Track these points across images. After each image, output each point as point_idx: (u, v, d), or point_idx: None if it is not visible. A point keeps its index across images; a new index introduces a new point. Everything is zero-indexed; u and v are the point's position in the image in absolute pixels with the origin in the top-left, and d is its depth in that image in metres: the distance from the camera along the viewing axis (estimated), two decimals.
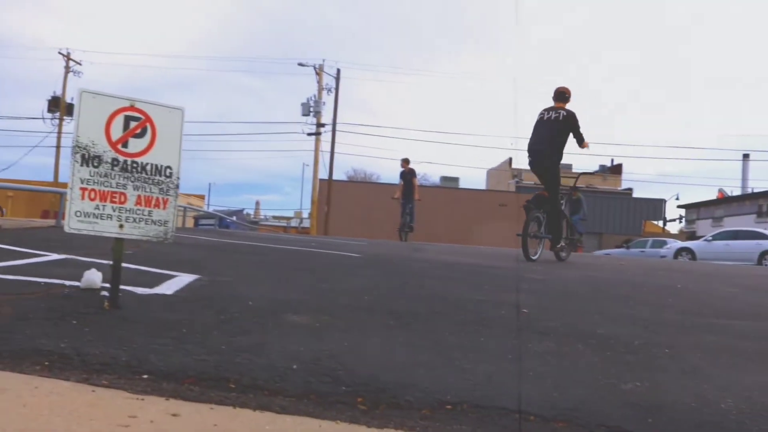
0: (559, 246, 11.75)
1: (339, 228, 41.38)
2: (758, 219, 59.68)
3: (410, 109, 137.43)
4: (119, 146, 4.57)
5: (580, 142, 11.10)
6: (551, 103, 11.44)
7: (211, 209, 59.76)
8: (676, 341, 4.85)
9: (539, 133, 11.14)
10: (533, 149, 11.23)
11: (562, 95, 11.28)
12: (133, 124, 4.63)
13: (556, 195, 11.40)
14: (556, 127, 11.01)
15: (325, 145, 45.74)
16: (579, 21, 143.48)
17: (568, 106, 11.30)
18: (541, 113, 11.24)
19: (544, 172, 11.33)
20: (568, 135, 11.06)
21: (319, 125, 45.08)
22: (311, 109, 44.94)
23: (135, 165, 4.63)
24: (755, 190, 66.41)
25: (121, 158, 4.59)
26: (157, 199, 4.71)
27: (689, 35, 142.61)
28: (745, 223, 55.46)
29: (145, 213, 4.67)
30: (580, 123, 11.05)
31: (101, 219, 4.54)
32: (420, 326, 4.79)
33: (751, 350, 4.76)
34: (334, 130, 45.26)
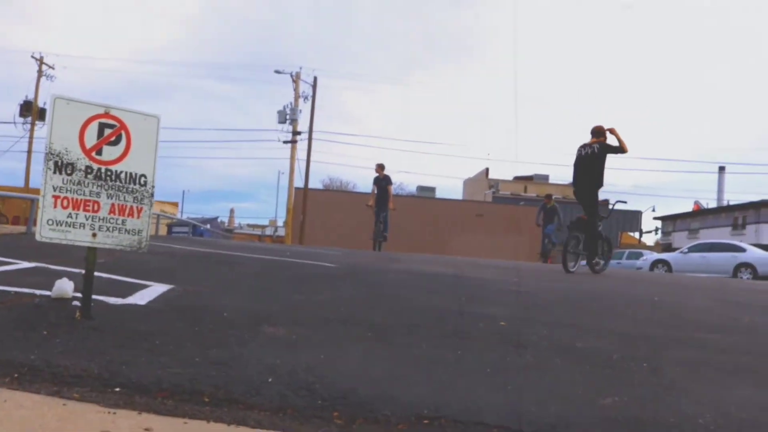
0: (594, 261, 13.42)
1: (314, 237, 41.25)
2: (733, 231, 60.24)
3: (387, 117, 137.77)
4: (93, 154, 4.51)
5: (622, 151, 12.71)
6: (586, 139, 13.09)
7: (184, 217, 59.38)
8: (654, 355, 4.85)
9: (580, 169, 12.93)
10: (576, 182, 13.14)
11: (596, 132, 12.89)
12: (107, 131, 4.56)
13: (593, 219, 13.07)
14: (593, 161, 12.72)
15: (301, 153, 45.85)
16: (557, 32, 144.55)
17: (604, 140, 12.91)
18: (579, 150, 12.98)
19: (585, 201, 13.05)
20: (604, 163, 12.76)
21: (296, 133, 44.91)
22: (288, 117, 44.71)
23: (109, 173, 4.56)
24: (731, 203, 67.10)
25: (95, 166, 4.52)
26: (131, 207, 4.65)
27: (666, 48, 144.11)
28: (721, 235, 55.95)
29: (119, 222, 4.60)
30: (615, 133, 12.69)
31: (74, 228, 4.47)
32: (397, 339, 4.75)
33: (729, 364, 4.76)
34: (310, 138, 45.15)
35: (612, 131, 12.79)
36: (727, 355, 5.14)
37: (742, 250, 29.50)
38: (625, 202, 15.48)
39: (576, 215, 13.50)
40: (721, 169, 71.39)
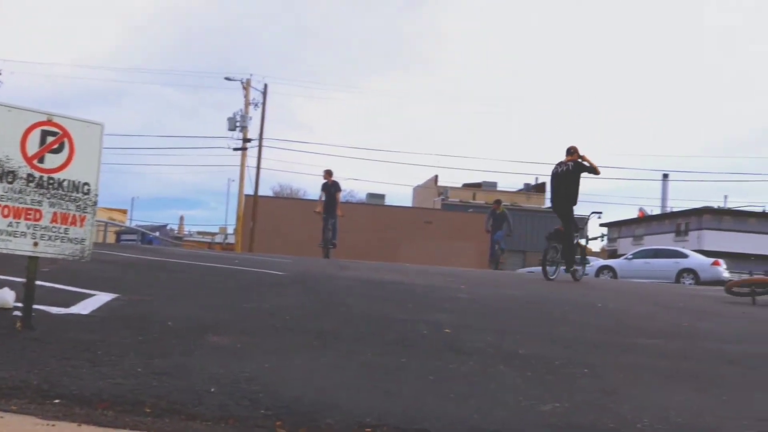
0: (572, 269, 14.44)
1: (265, 244, 40.94)
2: (677, 238, 61.39)
3: (338, 125, 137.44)
4: (35, 162, 4.45)
5: (594, 172, 14.11)
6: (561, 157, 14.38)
7: (133, 224, 58.74)
8: (596, 361, 4.92)
9: (556, 185, 14.23)
10: (553, 197, 14.50)
11: (569, 152, 14.11)
12: (50, 139, 4.51)
13: (570, 230, 14.21)
14: (568, 177, 14.00)
15: (252, 161, 45.41)
16: (502, 39, 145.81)
17: (575, 158, 14.12)
18: (555, 168, 14.19)
19: (562, 214, 14.25)
20: (578, 180, 14.08)
21: (246, 140, 44.65)
22: (238, 124, 44.39)
23: (51, 181, 4.51)
24: (674, 210, 68.28)
25: (37, 174, 4.46)
26: (74, 216, 4.59)
27: (610, 56, 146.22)
28: (665, 241, 56.88)
29: (61, 231, 4.54)
30: (587, 159, 13.97)
31: (15, 236, 4.40)
32: (343, 347, 4.76)
33: (669, 369, 4.86)
34: (260, 146, 44.93)
35: (583, 158, 13.97)
36: (667, 360, 5.25)
37: (684, 256, 30.12)
38: (600, 213, 16.51)
39: (554, 227, 14.59)
40: (665, 176, 72.49)
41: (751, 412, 3.83)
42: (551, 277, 14.03)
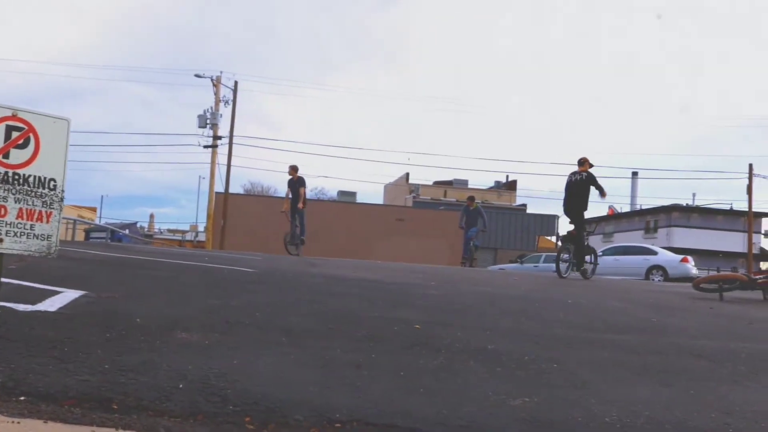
0: (582, 269, 15.86)
1: (236, 242, 40.77)
2: (646, 235, 61.94)
3: (309, 122, 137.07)
4: (0, 157, 4.39)
5: (601, 193, 15.56)
6: (573, 167, 15.86)
7: (103, 222, 58.24)
8: (566, 356, 4.95)
9: (570, 192, 15.54)
10: (567, 203, 15.71)
11: (582, 162, 15.52)
12: (15, 134, 4.45)
13: (581, 233, 15.74)
14: (581, 186, 15.37)
15: (222, 158, 45.14)
16: (472, 38, 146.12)
17: (587, 169, 15.60)
18: (570, 176, 15.62)
19: (574, 219, 15.70)
20: (590, 189, 15.42)
21: (216, 138, 44.37)
22: (208, 122, 44.06)
23: (17, 177, 4.45)
24: (643, 207, 68.84)
25: (2, 169, 4.40)
26: (40, 212, 4.53)
27: (579, 55, 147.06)
28: (634, 238, 57.33)
29: (27, 227, 4.48)
30: (598, 180, 15.38)
31: None
32: (312, 343, 4.75)
33: (637, 364, 4.90)
34: (231, 143, 44.65)
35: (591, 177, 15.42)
36: (636, 355, 5.30)
37: (653, 253, 30.35)
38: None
39: (566, 230, 16.23)
40: (634, 174, 73.01)
41: (718, 406, 3.88)
42: (564, 276, 15.09)
